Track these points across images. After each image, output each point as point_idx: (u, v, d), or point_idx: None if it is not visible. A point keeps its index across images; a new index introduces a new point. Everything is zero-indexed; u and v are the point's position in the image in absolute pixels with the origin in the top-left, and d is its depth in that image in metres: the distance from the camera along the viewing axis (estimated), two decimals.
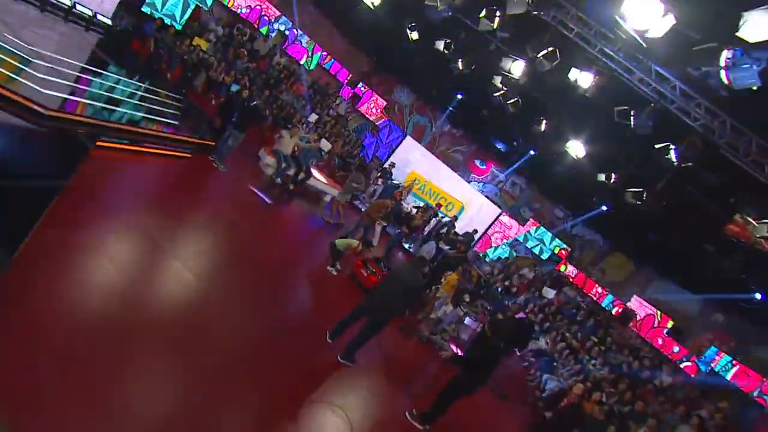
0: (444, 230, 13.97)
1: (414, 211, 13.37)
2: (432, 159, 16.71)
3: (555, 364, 10.69)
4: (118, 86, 8.12)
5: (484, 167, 17.55)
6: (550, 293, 14.93)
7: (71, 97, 6.21)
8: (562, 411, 6.58)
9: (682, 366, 12.10)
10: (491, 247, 16.97)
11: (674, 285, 14.26)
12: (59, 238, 3.88)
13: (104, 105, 6.79)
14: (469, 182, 17.22)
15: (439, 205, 14.33)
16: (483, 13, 7.67)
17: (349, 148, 16.58)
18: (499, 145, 16.74)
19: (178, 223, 5.97)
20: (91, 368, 3.11)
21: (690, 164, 7.42)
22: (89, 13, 9.79)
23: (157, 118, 7.69)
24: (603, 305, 15.16)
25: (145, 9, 11.56)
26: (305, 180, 10.83)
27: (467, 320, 9.18)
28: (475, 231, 15.34)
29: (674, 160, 7.42)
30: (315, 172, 11.29)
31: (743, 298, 11.06)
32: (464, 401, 5.34)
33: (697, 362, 11.86)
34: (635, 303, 14.60)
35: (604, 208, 14.72)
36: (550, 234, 16.70)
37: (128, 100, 7.94)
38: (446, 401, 5.23)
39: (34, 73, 5.69)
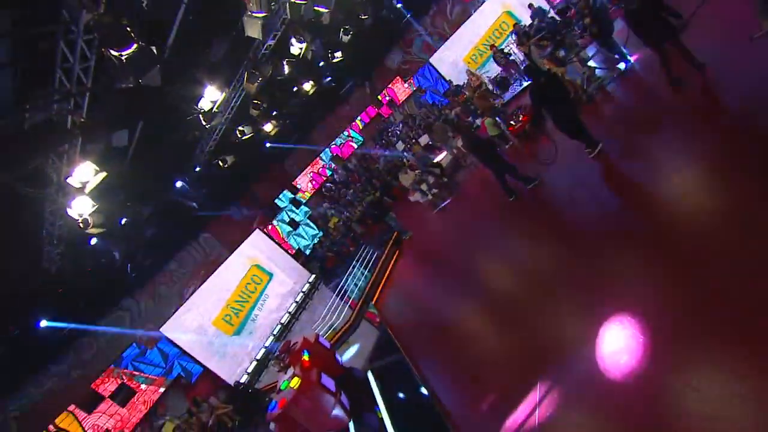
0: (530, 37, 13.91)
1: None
2: (454, 39, 17.14)
3: None
4: (351, 279, 12.35)
5: None
6: None
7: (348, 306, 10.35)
8: None
9: None
10: None
11: None
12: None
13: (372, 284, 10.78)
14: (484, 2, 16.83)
15: (492, 46, 14.55)
16: None
17: (433, 117, 18.48)
18: None
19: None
20: None
21: None
22: (308, 287, 15.03)
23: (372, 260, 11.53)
24: None
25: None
26: (444, 168, 12.87)
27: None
28: (531, 5, 14.75)
29: None
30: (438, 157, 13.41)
31: None
32: None
33: None
34: None
35: None
36: None
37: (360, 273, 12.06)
38: (578, 128, 6.62)
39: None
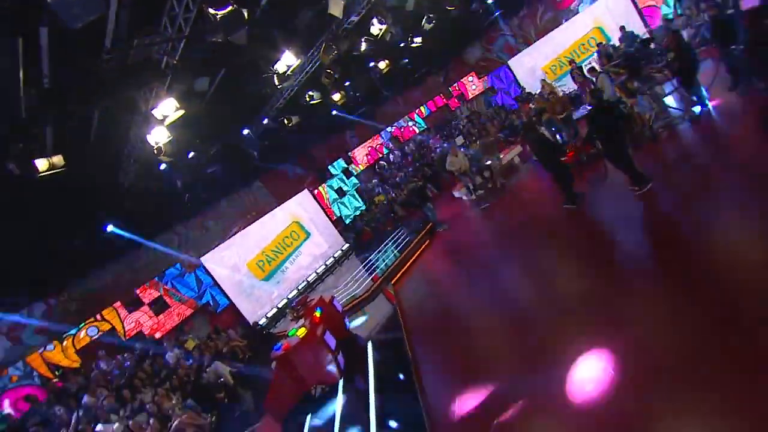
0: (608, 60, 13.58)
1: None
2: (537, 45, 16.83)
3: None
4: (380, 255, 12.94)
5: None
6: None
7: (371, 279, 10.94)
8: None
9: None
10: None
11: None
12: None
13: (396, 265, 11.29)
14: (577, 14, 16.33)
15: (572, 62, 14.17)
16: None
17: (497, 120, 18.34)
18: None
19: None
20: None
21: None
22: (339, 254, 15.81)
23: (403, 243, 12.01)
24: None
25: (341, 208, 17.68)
26: (493, 169, 12.87)
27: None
28: (623, 27, 14.17)
29: None
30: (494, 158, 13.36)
31: None
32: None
33: None
34: None
35: None
36: None
37: (391, 252, 12.61)
38: (626, 163, 6.63)
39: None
